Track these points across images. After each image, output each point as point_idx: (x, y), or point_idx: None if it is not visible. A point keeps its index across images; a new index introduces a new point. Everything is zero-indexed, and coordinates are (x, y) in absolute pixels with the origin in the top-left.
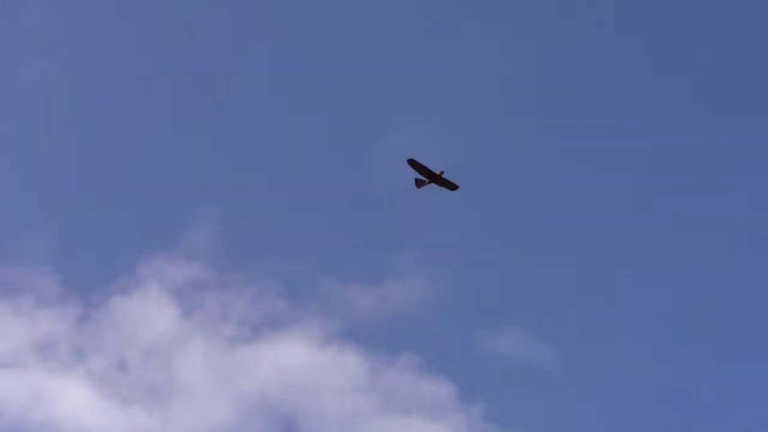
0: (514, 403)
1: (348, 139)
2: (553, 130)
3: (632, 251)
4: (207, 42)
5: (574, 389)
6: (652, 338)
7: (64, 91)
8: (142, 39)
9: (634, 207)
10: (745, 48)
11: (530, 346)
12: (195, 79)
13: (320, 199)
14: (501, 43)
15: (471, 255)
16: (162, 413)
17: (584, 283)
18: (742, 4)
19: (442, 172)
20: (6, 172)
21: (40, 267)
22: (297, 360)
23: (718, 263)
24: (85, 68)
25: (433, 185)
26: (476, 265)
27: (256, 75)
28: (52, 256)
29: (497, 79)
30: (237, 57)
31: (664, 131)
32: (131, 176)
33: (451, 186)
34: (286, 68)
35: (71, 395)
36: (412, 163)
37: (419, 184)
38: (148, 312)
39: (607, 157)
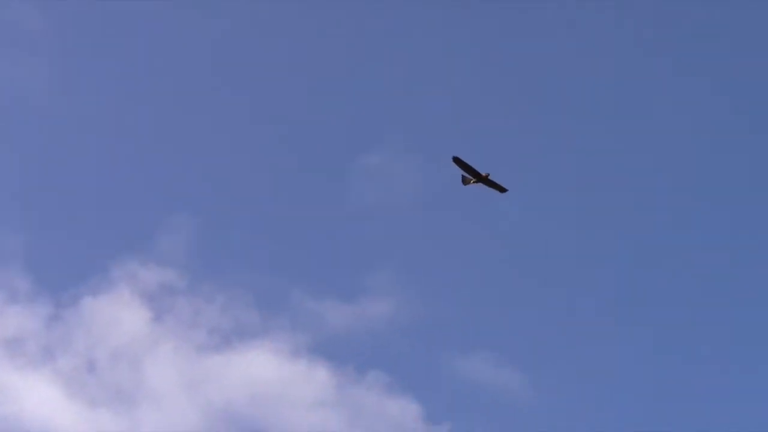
0: (480, 426)
1: (328, 156)
2: (532, 152)
3: (600, 277)
4: (189, 48)
5: (540, 414)
6: (620, 364)
7: (38, 91)
8: (118, 42)
9: (603, 230)
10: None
11: (498, 370)
12: (176, 85)
13: (297, 214)
14: (482, 58)
15: (444, 277)
16: (128, 416)
17: (554, 309)
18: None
19: (487, 174)
20: None
21: (11, 264)
22: (265, 371)
23: (691, 283)
24: (60, 69)
25: (480, 185)
26: (449, 287)
27: (237, 85)
28: (23, 254)
29: (477, 97)
30: (222, 66)
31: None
32: (110, 178)
33: (500, 188)
34: (267, 80)
35: (38, 393)
36: (457, 161)
37: (465, 181)
38: (118, 314)
39: (587, 178)
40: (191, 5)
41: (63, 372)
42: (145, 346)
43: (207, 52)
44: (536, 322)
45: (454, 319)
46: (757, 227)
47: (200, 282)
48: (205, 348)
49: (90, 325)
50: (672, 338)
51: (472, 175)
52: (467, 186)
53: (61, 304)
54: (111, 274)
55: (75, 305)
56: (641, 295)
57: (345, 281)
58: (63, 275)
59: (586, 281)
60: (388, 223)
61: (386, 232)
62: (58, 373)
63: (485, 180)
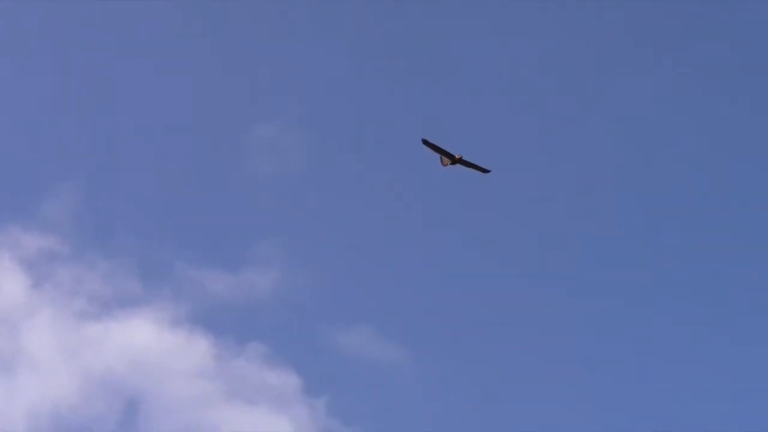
0: (359, 399)
1: (217, 126)
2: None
3: (488, 254)
4: (73, 26)
5: (420, 388)
6: (502, 340)
7: None
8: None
9: (494, 206)
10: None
11: (378, 344)
12: (58, 49)
13: (183, 183)
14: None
15: (330, 250)
16: (5, 383)
17: (437, 285)
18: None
19: (460, 156)
20: None
21: None
22: (145, 340)
23: (568, 266)
24: None
25: (459, 167)
26: (334, 261)
27: (130, 50)
28: None
29: (372, 67)
30: (117, 30)
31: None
32: None
33: (481, 169)
34: (161, 48)
35: None
36: (426, 143)
37: (443, 162)
38: None
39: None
40: None
41: None
42: (24, 312)
43: (94, 27)
44: (419, 298)
45: (337, 293)
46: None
47: (83, 249)
48: (84, 316)
49: None
50: (556, 318)
51: (445, 156)
52: (446, 167)
53: None
54: None
55: None
56: (527, 272)
57: (229, 252)
58: None
59: (471, 258)
60: (277, 195)
61: (274, 204)
62: None
63: (461, 161)
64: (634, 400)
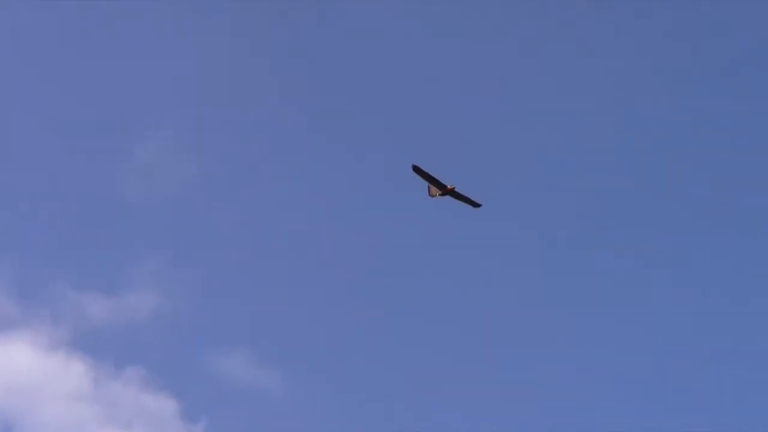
0: (237, 423)
1: (99, 146)
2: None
3: (363, 278)
4: None
5: (297, 413)
6: (376, 365)
7: None
8: None
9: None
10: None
11: (256, 369)
12: None
13: (64, 202)
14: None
15: (209, 273)
16: None
17: (316, 309)
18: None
19: (452, 187)
20: None
21: None
22: (22, 364)
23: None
24: None
25: (448, 198)
26: (213, 284)
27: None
28: None
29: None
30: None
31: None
32: None
33: (472, 203)
34: (39, 64)
35: None
36: (417, 170)
37: (432, 193)
38: None
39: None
40: None
41: None
42: None
43: None
44: (297, 322)
45: (216, 317)
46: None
47: None
48: None
49: None
50: (424, 342)
51: (436, 186)
52: (434, 199)
53: None
54: None
55: None
56: (401, 296)
57: (108, 274)
58: None
59: (349, 281)
60: (159, 218)
61: (155, 227)
62: None
63: (452, 193)
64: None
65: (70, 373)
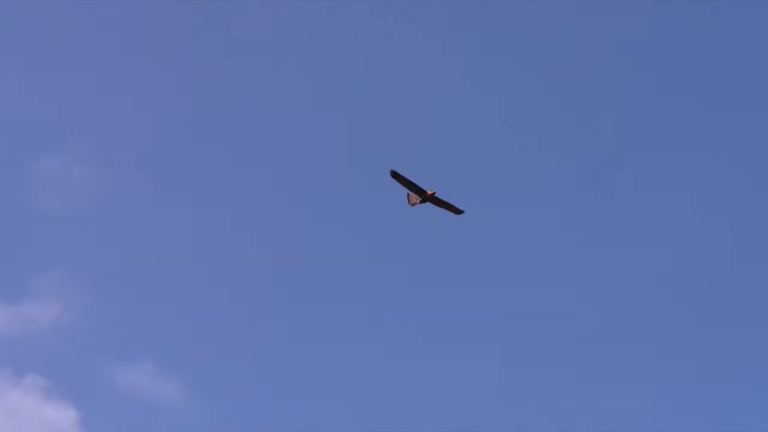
0: None
1: (1, 157)
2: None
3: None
4: None
5: (197, 424)
6: (279, 376)
7: None
8: None
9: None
10: None
11: (157, 379)
12: None
13: None
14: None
15: (113, 284)
16: None
17: (218, 319)
18: None
19: (433, 192)
20: None
21: None
22: None
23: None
24: None
25: (428, 205)
26: (116, 294)
27: None
28: None
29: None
30: None
31: None
32: None
33: (454, 210)
34: None
35: None
36: (396, 176)
37: (411, 201)
38: None
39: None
40: None
41: None
42: None
43: None
44: (199, 333)
45: (119, 327)
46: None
47: None
48: None
49: None
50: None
51: (416, 193)
52: (414, 207)
53: None
54: None
55: None
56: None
57: (9, 284)
58: None
59: (251, 291)
60: (61, 228)
61: (58, 237)
62: None
63: (432, 199)
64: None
65: None
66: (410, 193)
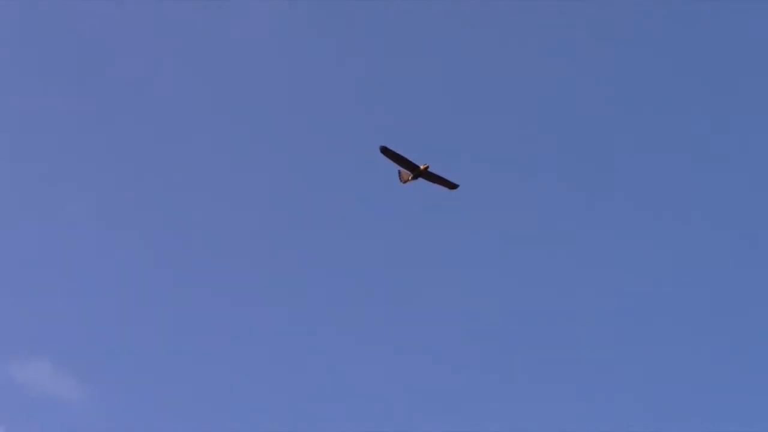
0: None
1: None
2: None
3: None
4: None
5: (95, 423)
6: (179, 374)
7: None
8: None
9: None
10: None
11: (55, 378)
12: None
13: None
14: None
15: (7, 279)
16: None
17: (119, 317)
18: None
19: (426, 167)
20: None
21: None
22: None
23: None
24: None
25: (421, 181)
26: (10, 292)
27: None
28: None
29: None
30: None
31: None
32: None
33: (449, 184)
34: None
35: None
36: (386, 151)
37: (403, 177)
38: None
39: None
40: None
41: None
42: None
43: None
44: (98, 331)
45: (14, 324)
46: None
47: None
48: None
49: None
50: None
51: (407, 168)
52: (406, 184)
53: None
54: None
55: None
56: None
57: None
58: None
59: (151, 290)
60: None
61: None
62: None
63: (425, 174)
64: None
65: None
66: (401, 170)
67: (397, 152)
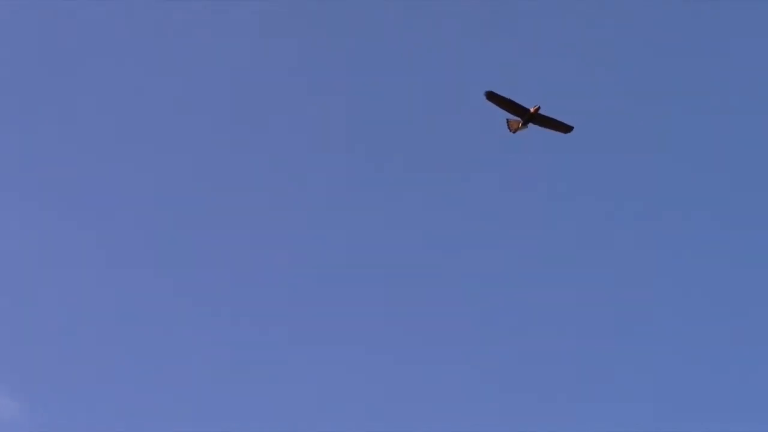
0: None
1: None
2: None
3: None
4: None
5: None
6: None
7: None
8: None
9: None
10: None
11: None
12: None
13: None
14: None
15: None
16: None
17: (62, 334)
18: None
19: (537, 108)
20: None
21: None
22: None
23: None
24: None
25: (532, 128)
26: None
27: None
28: None
29: None
30: None
31: None
32: None
33: (564, 127)
34: None
35: None
36: (492, 97)
37: (512, 126)
38: None
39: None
40: None
41: None
42: None
43: None
44: (37, 349)
45: None
46: None
47: None
48: None
49: None
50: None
51: (517, 114)
52: (517, 133)
53: None
54: None
55: None
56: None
57: None
58: None
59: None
60: None
61: None
62: None
63: (536, 117)
64: None
65: None
66: (510, 117)
67: (504, 96)
